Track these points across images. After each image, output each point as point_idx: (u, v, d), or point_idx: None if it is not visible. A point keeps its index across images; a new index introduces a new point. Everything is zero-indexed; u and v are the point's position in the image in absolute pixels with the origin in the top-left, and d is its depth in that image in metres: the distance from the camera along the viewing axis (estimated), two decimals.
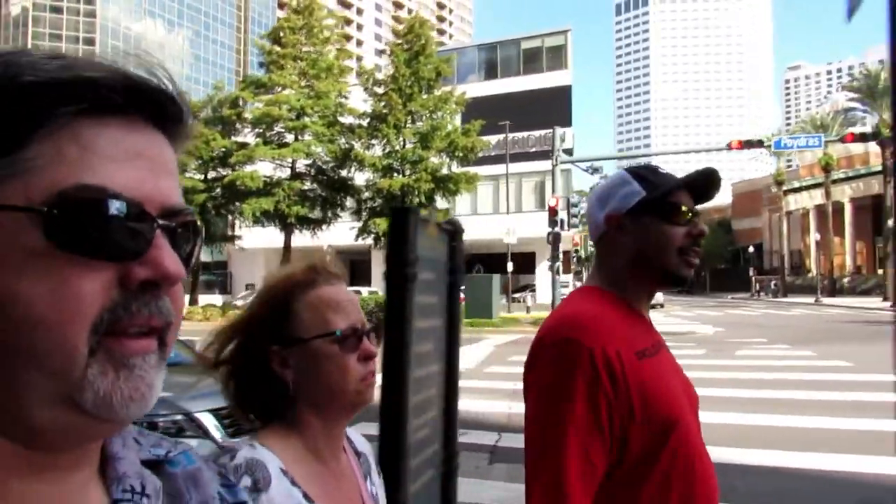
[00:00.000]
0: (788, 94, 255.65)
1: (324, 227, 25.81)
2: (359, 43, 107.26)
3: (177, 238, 0.48)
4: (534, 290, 39.71)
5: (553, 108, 38.60)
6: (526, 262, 40.94)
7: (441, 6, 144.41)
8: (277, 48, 25.58)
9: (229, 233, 30.47)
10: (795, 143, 21.35)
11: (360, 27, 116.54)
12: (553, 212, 21.33)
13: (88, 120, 0.43)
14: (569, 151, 38.08)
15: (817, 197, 54.52)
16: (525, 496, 1.23)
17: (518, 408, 8.87)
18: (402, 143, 24.71)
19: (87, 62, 0.44)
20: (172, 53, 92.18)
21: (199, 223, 0.51)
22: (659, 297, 37.43)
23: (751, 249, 64.82)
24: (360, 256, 36.58)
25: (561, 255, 22.21)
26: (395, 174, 24.51)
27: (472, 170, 25.80)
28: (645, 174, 1.44)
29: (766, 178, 66.06)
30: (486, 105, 38.93)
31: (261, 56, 26.42)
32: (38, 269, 0.41)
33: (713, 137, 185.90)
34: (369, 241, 24.78)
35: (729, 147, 20.15)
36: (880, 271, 50.08)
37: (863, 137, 23.14)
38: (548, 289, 40.19)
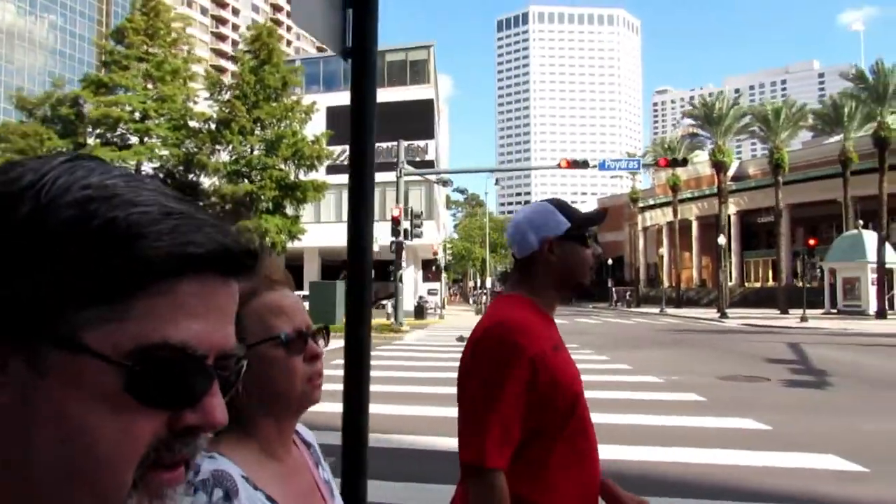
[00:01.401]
0: (656, 115, 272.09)
1: None
2: (234, 43, 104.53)
3: (225, 382, 0.52)
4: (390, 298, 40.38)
5: (416, 120, 39.51)
6: (392, 270, 41.57)
7: None
8: (121, 48, 24.82)
9: None
10: (617, 164, 23.24)
11: (235, 27, 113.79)
12: (396, 221, 21.98)
13: (184, 281, 0.47)
14: (429, 163, 39.17)
15: (669, 214, 58.21)
16: (460, 451, 1.59)
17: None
18: (249, 150, 24.61)
19: (191, 222, 0.47)
20: (24, 44, 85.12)
21: (243, 365, 0.55)
22: None
23: (609, 262, 68.27)
24: None
25: (402, 263, 22.82)
26: (244, 180, 24.39)
27: (322, 178, 26.06)
28: (566, 208, 1.80)
29: (626, 194, 69.78)
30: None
31: (103, 55, 25.51)
32: (106, 410, 0.44)
33: (588, 154, 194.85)
34: None
35: (559, 166, 21.60)
36: (728, 284, 54.35)
37: (675, 162, 25.29)
38: (411, 296, 41.07)
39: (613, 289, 65.39)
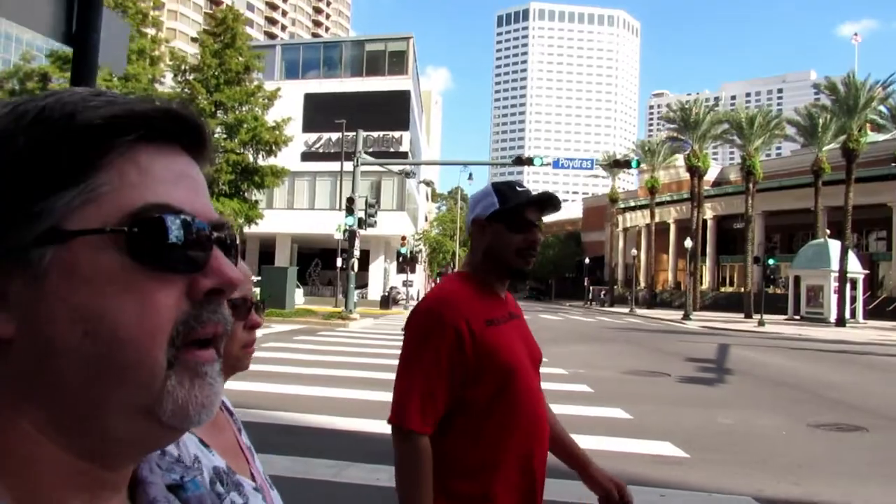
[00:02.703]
0: (652, 118, 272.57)
1: None
2: None
3: (225, 247, 0.52)
4: (362, 287, 40.65)
5: (392, 111, 39.77)
6: (361, 259, 41.85)
7: None
8: None
9: None
10: (571, 164, 23.59)
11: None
12: (348, 210, 22.28)
13: (142, 147, 0.47)
14: (404, 154, 39.45)
15: (648, 216, 58.74)
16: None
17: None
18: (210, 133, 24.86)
19: (127, 98, 0.48)
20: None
21: (237, 236, 0.56)
22: None
23: (587, 261, 68.72)
24: None
25: (355, 251, 23.08)
26: None
27: (282, 163, 26.27)
28: (503, 190, 1.83)
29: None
30: (328, 102, 39.54)
31: None
32: (119, 288, 0.44)
33: (582, 153, 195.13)
34: None
35: (513, 162, 21.95)
36: (701, 288, 54.80)
37: (626, 164, 25.55)
38: (380, 286, 41.33)
39: (590, 288, 65.95)
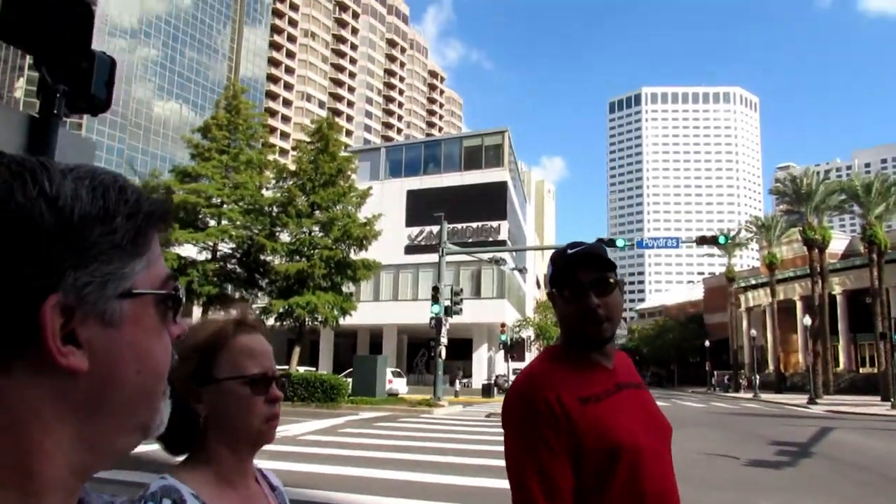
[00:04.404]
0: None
1: None
2: (348, 133, 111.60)
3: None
4: (467, 377, 40.90)
5: (491, 202, 40.98)
6: (463, 348, 42.34)
7: (432, 101, 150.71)
8: (205, 142, 28.16)
9: None
10: (656, 243, 23.18)
11: (349, 119, 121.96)
12: (435, 299, 22.98)
13: (156, 231, 0.60)
14: (502, 242, 40.21)
15: (770, 294, 55.69)
16: None
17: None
18: (307, 232, 26.81)
19: (150, 195, 0.61)
20: (157, 136, 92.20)
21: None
22: None
23: (706, 344, 65.58)
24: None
25: (442, 339, 23.57)
26: (303, 259, 26.43)
27: (373, 257, 27.54)
28: (555, 256, 1.67)
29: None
30: (429, 197, 41.36)
31: (189, 148, 28.89)
32: (157, 334, 0.58)
33: (704, 231, 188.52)
34: (270, 321, 26.18)
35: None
36: (836, 369, 50.75)
37: (713, 240, 24.67)
38: (483, 373, 41.42)
39: (714, 372, 62.71)
